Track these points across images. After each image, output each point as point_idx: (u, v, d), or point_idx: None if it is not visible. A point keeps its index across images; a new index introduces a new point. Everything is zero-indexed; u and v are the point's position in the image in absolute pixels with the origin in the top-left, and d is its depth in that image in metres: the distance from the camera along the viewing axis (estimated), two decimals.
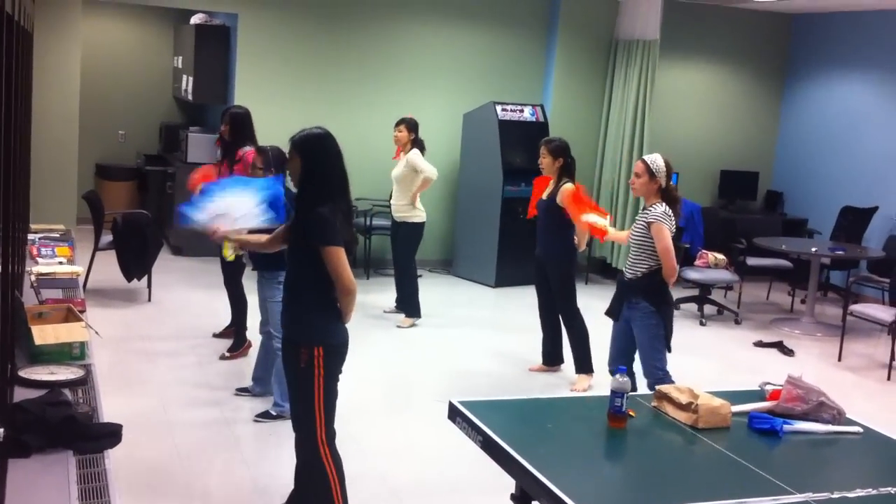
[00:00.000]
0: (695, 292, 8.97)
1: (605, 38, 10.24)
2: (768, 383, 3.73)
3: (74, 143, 8.81)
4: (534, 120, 9.66)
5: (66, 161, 8.74)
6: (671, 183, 5.13)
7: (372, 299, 8.26)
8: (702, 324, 8.62)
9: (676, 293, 9.32)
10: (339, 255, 3.65)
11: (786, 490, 2.86)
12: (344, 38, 9.54)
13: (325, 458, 3.72)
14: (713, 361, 7.35)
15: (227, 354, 6.44)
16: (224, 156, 6.45)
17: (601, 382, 6.08)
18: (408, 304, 7.84)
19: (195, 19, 9.95)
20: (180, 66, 10.61)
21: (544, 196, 6.42)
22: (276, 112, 8.97)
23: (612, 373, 5.17)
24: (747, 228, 9.69)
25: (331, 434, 3.79)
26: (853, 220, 9.80)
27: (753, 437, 3.36)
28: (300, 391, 3.76)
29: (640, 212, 5.25)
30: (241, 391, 5.73)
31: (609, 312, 5.36)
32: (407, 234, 7.78)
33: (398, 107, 9.61)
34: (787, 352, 7.80)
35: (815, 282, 8.84)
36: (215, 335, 6.86)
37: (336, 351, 3.74)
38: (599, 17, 10.22)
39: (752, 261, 9.22)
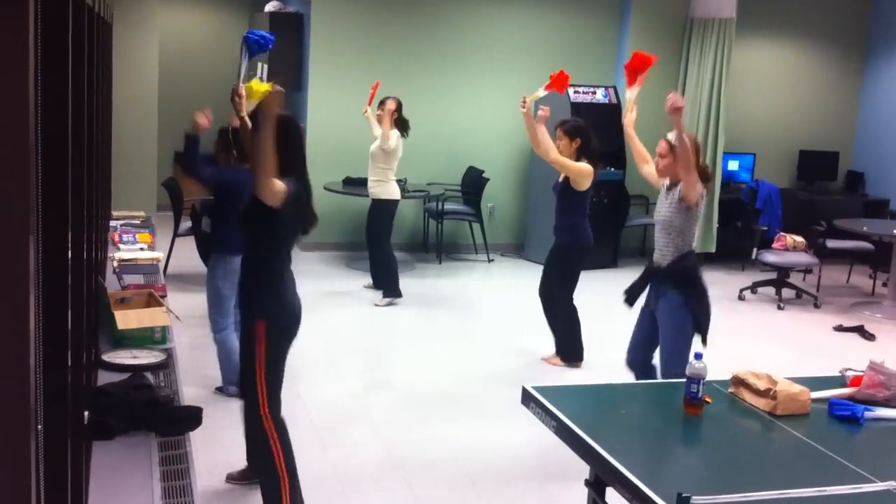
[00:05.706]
0: (773, 276, 8.81)
1: (680, 17, 10.08)
2: (849, 369, 3.65)
3: (154, 132, 8.99)
4: (606, 102, 9.55)
5: (147, 149, 8.94)
6: (703, 161, 4.84)
7: (444, 285, 8.28)
8: (780, 308, 8.47)
9: (754, 276, 9.21)
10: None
11: (867, 478, 2.80)
12: (415, 22, 9.56)
13: (268, 430, 3.74)
14: (792, 347, 7.22)
15: None
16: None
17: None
18: (386, 283, 7.73)
19: (269, 7, 10.05)
20: None
21: (560, 179, 6.23)
22: (349, 99, 9.04)
23: (630, 365, 4.84)
24: (827, 210, 9.48)
25: (275, 406, 3.79)
26: None
27: (833, 425, 3.29)
28: (246, 364, 3.78)
29: (663, 191, 4.74)
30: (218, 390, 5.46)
31: (628, 298, 4.86)
32: (380, 213, 7.72)
33: (469, 90, 9.62)
34: (869, 336, 7.62)
35: None
36: None
37: (278, 325, 3.73)
38: None
39: (831, 243, 9.01)
